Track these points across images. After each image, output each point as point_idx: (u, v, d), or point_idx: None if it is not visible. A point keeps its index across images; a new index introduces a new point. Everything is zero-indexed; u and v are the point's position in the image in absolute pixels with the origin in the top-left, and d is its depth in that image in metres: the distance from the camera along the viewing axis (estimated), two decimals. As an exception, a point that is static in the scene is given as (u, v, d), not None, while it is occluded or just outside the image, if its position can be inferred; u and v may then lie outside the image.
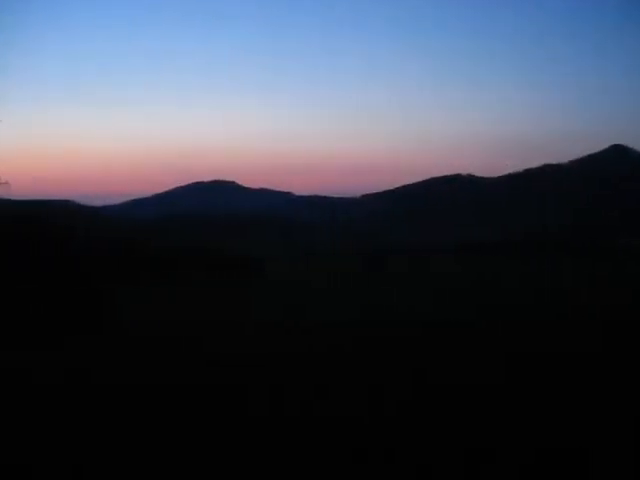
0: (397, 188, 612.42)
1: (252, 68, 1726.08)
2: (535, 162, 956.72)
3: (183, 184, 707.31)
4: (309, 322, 56.31)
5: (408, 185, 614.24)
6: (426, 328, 42.58)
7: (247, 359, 23.53)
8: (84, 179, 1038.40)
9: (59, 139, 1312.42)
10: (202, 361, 23.20)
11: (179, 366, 21.77)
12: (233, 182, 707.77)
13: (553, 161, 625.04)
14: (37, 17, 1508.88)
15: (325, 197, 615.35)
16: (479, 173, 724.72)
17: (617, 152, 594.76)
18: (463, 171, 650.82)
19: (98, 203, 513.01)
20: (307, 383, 17.84)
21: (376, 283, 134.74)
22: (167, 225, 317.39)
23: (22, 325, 39.02)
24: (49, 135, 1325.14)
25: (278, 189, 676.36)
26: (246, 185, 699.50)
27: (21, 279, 44.40)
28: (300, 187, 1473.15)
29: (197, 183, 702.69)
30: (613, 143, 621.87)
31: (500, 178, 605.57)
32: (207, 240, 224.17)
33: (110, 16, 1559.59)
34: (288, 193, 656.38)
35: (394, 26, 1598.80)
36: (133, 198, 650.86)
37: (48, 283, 46.21)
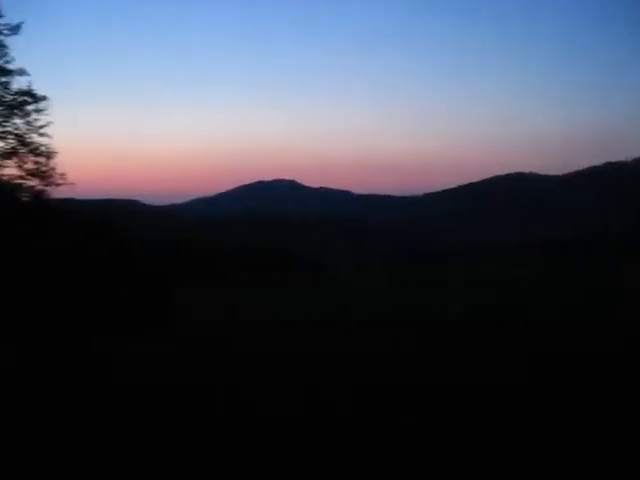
0: (459, 187, 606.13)
1: (314, 69, 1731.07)
2: (598, 160, 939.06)
3: (245, 183, 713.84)
4: (367, 321, 56.70)
5: (470, 184, 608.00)
6: (493, 328, 42.74)
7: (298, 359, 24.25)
8: (148, 178, 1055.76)
9: (124, 138, 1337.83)
10: (252, 361, 23.92)
11: (232, 366, 22.52)
12: (293, 181, 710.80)
13: (616, 159, 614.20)
14: (110, 15, 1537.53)
15: (385, 196, 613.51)
16: (542, 171, 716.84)
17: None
18: (526, 169, 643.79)
19: (162, 202, 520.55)
20: (356, 384, 18.31)
21: (438, 283, 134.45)
22: (230, 224, 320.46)
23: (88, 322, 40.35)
24: (115, 134, 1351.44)
25: (338, 188, 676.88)
26: (306, 184, 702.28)
27: (89, 279, 46.01)
28: (360, 186, 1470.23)
29: (258, 182, 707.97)
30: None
31: (563, 176, 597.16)
32: (268, 239, 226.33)
33: (182, 13, 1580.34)
34: (347, 192, 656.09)
35: (462, 25, 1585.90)
36: (197, 197, 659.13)
37: (115, 283, 47.77)
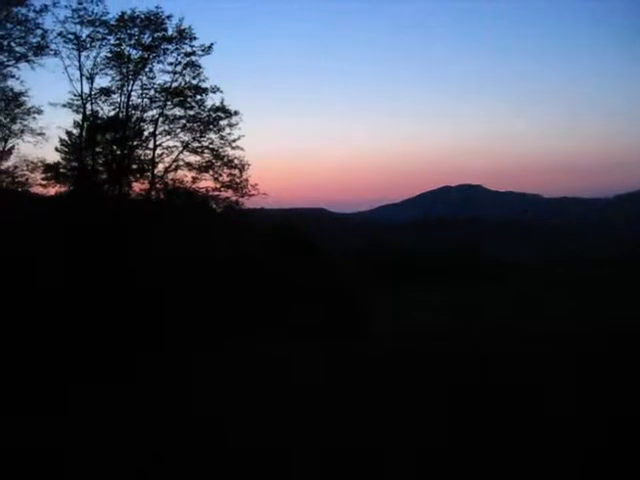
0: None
1: (501, 71, 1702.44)
2: None
3: (431, 189, 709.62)
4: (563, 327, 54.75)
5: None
6: None
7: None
8: (333, 187, 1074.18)
9: (308, 148, 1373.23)
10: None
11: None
12: (480, 185, 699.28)
13: None
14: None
15: (576, 198, 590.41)
16: None
17: None
18: None
19: (348, 210, 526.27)
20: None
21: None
22: (418, 230, 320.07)
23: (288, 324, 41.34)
24: (302, 144, 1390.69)
25: (526, 191, 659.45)
26: (493, 188, 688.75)
27: (285, 287, 47.05)
28: (549, 188, 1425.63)
29: (445, 187, 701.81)
30: None
31: None
32: (458, 244, 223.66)
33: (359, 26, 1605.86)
34: (536, 195, 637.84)
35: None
36: (382, 204, 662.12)
37: (311, 290, 48.63)
